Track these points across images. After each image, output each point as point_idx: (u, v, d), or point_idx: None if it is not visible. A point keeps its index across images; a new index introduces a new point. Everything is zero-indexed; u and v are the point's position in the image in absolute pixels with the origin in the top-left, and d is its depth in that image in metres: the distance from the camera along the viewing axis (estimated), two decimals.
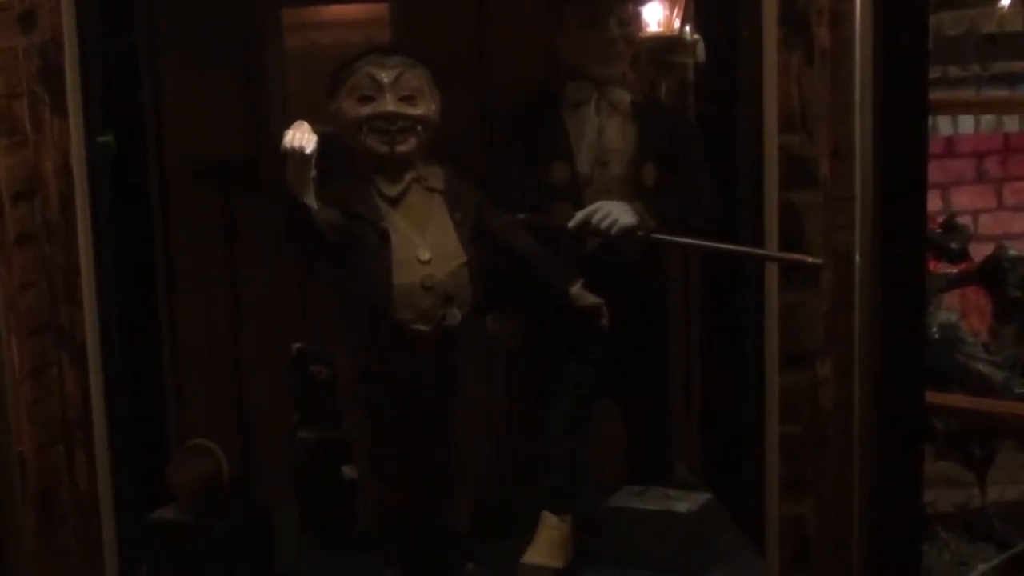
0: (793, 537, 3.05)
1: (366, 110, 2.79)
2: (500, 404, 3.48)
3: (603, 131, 3.05)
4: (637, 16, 3.17)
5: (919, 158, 2.68)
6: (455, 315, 2.78)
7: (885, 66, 2.65)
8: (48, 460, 2.79)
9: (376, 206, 2.81)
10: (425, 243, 2.79)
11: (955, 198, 5.46)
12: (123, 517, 2.99)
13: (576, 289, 2.93)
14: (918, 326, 2.80)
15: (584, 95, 3.06)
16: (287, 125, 2.58)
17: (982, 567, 3.91)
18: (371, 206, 2.80)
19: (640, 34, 3.21)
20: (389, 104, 2.78)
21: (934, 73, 4.58)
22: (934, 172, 5.28)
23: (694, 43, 3.35)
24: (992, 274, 4.14)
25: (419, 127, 2.80)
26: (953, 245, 4.18)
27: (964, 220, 4.87)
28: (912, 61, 2.65)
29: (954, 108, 4.83)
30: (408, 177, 2.84)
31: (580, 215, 2.94)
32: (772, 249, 2.95)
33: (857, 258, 2.79)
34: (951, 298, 4.37)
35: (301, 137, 2.56)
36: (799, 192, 2.95)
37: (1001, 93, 4.95)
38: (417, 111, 2.80)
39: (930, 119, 4.71)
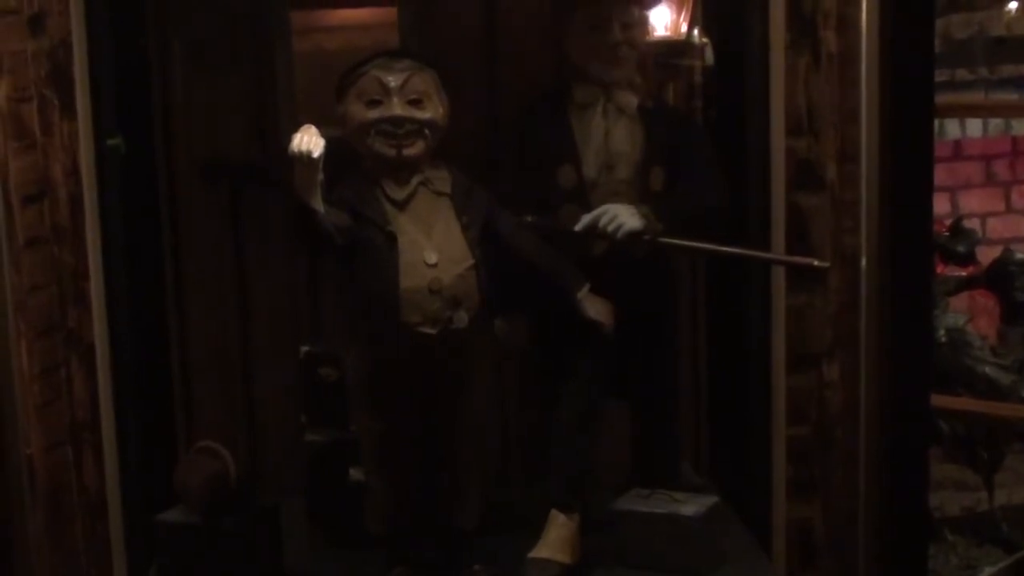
0: (800, 539, 3.05)
1: (373, 114, 2.79)
2: (508, 405, 3.48)
3: (610, 134, 3.05)
4: (643, 20, 3.16)
5: (925, 161, 2.68)
6: (462, 318, 2.78)
7: (892, 69, 2.65)
8: (57, 461, 2.79)
9: (383, 209, 2.81)
10: (432, 246, 2.79)
11: (963, 201, 5.45)
12: (132, 518, 3.00)
13: (583, 293, 2.93)
14: (925, 329, 2.81)
15: (591, 98, 3.06)
16: (295, 129, 2.59)
17: (989, 570, 3.91)
18: (378, 209, 2.81)
19: (647, 38, 3.21)
20: (396, 108, 2.78)
21: (942, 76, 4.59)
22: (942, 175, 5.28)
23: (702, 47, 3.36)
24: (1000, 277, 4.14)
25: (426, 131, 2.81)
26: (960, 248, 4.18)
27: (972, 223, 4.87)
28: (918, 64, 2.65)
29: (962, 111, 4.82)
30: (415, 180, 2.84)
31: (587, 218, 2.95)
32: (779, 252, 2.95)
33: (863, 261, 2.80)
34: (959, 301, 4.37)
35: (308, 141, 2.56)
36: (806, 195, 2.96)
37: (1010, 96, 4.94)
38: (424, 115, 2.80)
39: (938, 122, 4.72)
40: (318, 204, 2.63)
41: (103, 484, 2.89)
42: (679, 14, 3.31)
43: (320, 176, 2.61)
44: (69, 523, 2.84)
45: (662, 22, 3.29)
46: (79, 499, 2.86)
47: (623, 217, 2.91)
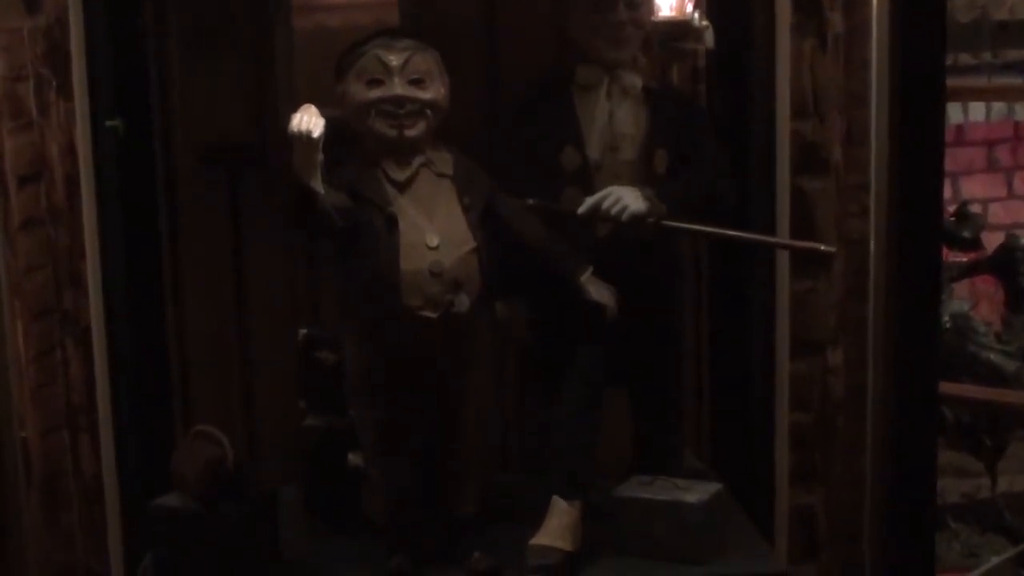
0: (802, 527, 3.04)
1: (374, 93, 2.76)
2: (510, 390, 3.46)
3: (613, 116, 3.02)
4: (647, 0, 3.14)
5: (935, 145, 2.66)
6: (463, 301, 2.76)
7: (901, 52, 2.62)
8: (52, 445, 2.78)
9: (384, 191, 2.79)
10: (433, 229, 2.77)
11: (965, 186, 5.45)
12: (128, 503, 2.98)
13: (586, 276, 2.91)
14: (933, 315, 2.78)
15: (595, 79, 3.03)
16: (295, 109, 2.56)
17: (995, 559, 3.90)
18: (379, 191, 2.78)
19: (651, 18, 3.18)
20: (397, 88, 2.75)
21: (945, 60, 4.56)
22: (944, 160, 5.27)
23: (703, 29, 3.33)
24: (1004, 263, 4.13)
25: (428, 111, 2.78)
26: (965, 234, 4.17)
27: (974, 209, 4.86)
28: (928, 46, 2.62)
29: (965, 96, 4.81)
30: (416, 162, 2.81)
31: (590, 201, 2.92)
32: (783, 236, 2.93)
33: (872, 246, 2.77)
34: (962, 287, 4.36)
35: (308, 121, 2.54)
36: (811, 179, 2.94)
37: (1013, 81, 4.94)
38: (426, 95, 2.77)
39: None
40: (317, 185, 2.60)
41: (99, 468, 2.88)
42: None
43: (320, 157, 2.59)
44: (65, 508, 2.83)
45: (667, 2, 3.26)
46: (75, 484, 2.84)
47: (627, 199, 2.89)
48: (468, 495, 2.97)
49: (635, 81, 3.04)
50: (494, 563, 2.87)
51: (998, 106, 5.26)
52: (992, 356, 3.92)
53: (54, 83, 2.72)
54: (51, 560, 2.82)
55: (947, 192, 5.27)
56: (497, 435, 3.48)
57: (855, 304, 2.98)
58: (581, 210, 2.93)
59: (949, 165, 5.22)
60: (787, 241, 2.93)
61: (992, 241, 4.40)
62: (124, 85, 3.08)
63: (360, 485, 2.98)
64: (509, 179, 2.94)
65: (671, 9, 3.26)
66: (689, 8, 3.25)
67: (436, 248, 2.74)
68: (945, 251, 4.16)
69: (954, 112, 5.20)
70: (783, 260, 2.98)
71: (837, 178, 2.96)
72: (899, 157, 2.63)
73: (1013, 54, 4.97)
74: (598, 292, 2.91)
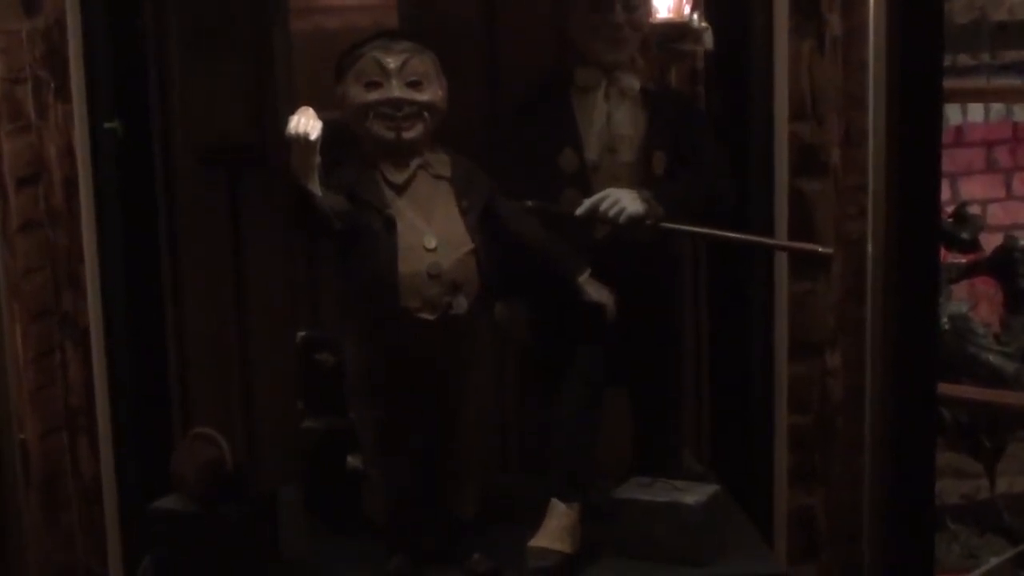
0: (802, 528, 3.04)
1: (372, 96, 2.76)
2: (510, 391, 3.46)
3: (612, 117, 3.02)
4: (645, 1, 3.14)
5: (933, 146, 2.66)
6: (461, 304, 2.76)
7: (899, 53, 2.62)
8: (52, 447, 2.78)
9: (382, 193, 2.78)
10: (431, 231, 2.76)
11: (964, 188, 5.44)
12: (127, 505, 2.98)
13: (584, 278, 2.91)
14: (932, 316, 2.78)
15: (593, 81, 3.03)
16: (294, 110, 2.56)
17: (992, 560, 3.90)
18: (377, 193, 2.78)
19: (649, 20, 3.18)
20: (395, 90, 2.75)
21: (944, 61, 4.57)
22: (943, 161, 5.27)
23: (702, 31, 3.33)
24: (1003, 264, 4.13)
25: (426, 113, 2.78)
26: (964, 235, 4.17)
27: (973, 210, 4.86)
28: (926, 47, 2.62)
29: (964, 97, 4.81)
30: (414, 164, 2.81)
31: (588, 202, 2.92)
32: (782, 238, 2.93)
33: (869, 248, 2.77)
34: (961, 288, 4.36)
35: (306, 123, 2.53)
36: (809, 180, 2.94)
37: (1012, 82, 4.93)
38: (424, 97, 2.77)
39: None
40: (315, 187, 2.60)
41: (98, 470, 2.88)
42: None
43: (317, 159, 2.58)
44: (64, 510, 2.83)
45: (665, 4, 3.25)
46: (74, 485, 2.84)
47: (625, 201, 2.89)
48: (468, 495, 2.96)
49: (633, 83, 3.04)
50: (493, 564, 2.87)
51: (997, 107, 5.26)
52: (991, 357, 3.92)
53: (52, 85, 2.72)
54: (51, 560, 2.83)
55: (946, 193, 5.25)
56: (497, 435, 3.48)
57: (854, 305, 2.98)
58: (579, 212, 2.92)
59: (948, 166, 5.23)
60: (786, 243, 2.93)
61: (991, 242, 4.40)
62: (123, 86, 3.08)
63: (360, 485, 2.98)
64: (508, 180, 2.93)
65: (669, 11, 3.26)
66: (687, 10, 3.25)
67: (434, 250, 2.74)
68: (944, 252, 4.16)
69: (953, 113, 5.19)
70: (782, 261, 2.98)
71: (835, 180, 2.96)
72: (897, 158, 2.62)
73: (1012, 55, 4.96)
74: (596, 293, 2.91)
